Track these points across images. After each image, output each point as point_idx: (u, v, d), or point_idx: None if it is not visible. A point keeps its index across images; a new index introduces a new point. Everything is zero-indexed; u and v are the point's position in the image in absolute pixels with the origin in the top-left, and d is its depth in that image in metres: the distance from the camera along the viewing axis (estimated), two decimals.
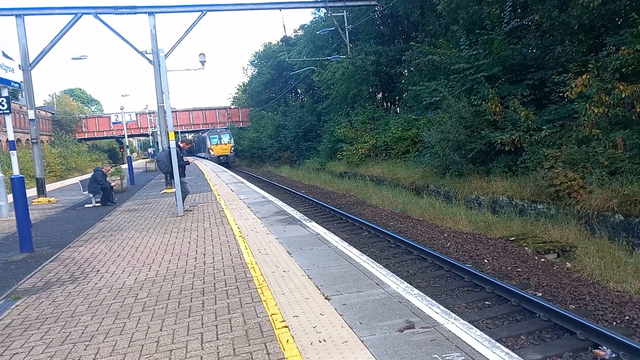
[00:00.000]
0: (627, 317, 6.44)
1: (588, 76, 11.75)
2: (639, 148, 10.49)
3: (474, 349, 3.61)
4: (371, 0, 24.73)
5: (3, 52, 10.96)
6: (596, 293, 7.28)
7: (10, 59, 12.13)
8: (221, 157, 47.06)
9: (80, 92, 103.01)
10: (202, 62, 13.51)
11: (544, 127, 13.19)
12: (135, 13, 19.61)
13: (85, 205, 15.98)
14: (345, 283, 5.41)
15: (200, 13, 20.07)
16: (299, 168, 34.04)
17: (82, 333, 4.64)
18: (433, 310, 4.44)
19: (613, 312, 6.62)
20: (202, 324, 4.62)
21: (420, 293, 4.97)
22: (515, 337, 6.15)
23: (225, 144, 48.87)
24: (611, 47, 11.68)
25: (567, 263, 8.96)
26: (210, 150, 48.97)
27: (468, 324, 4.17)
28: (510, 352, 3.59)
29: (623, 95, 10.92)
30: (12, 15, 18.42)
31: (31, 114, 18.37)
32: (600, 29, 13.97)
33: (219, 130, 51.09)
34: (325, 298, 4.97)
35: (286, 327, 4.32)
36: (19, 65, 18.34)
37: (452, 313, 4.42)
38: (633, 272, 7.82)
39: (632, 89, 10.89)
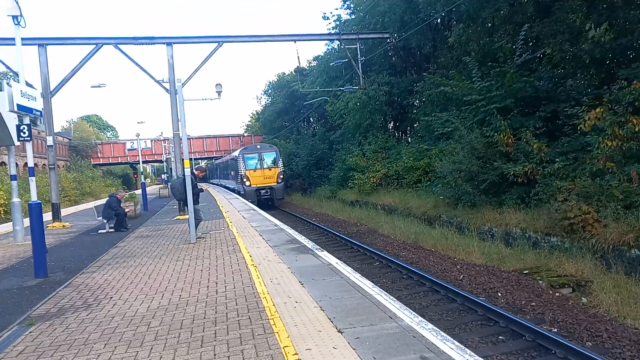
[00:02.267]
0: None
1: (601, 109, 11.78)
2: None
3: None
4: (384, 33, 25.19)
5: (26, 81, 11.27)
6: (613, 330, 7.14)
7: (33, 87, 12.48)
8: (263, 191, 30.01)
9: (97, 118, 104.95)
10: (219, 93, 13.79)
11: (557, 160, 13.16)
12: (154, 43, 20.16)
13: (99, 231, 16.12)
14: (359, 316, 5.38)
15: (216, 44, 20.58)
16: (310, 196, 34.11)
17: None
18: (448, 346, 4.39)
19: (631, 351, 6.48)
20: (215, 354, 4.61)
21: (434, 327, 4.93)
22: None
23: (270, 169, 30.59)
24: (623, 81, 11.73)
25: (583, 298, 8.82)
26: (245, 180, 30.29)
27: None
28: None
29: (636, 129, 10.91)
30: (35, 44, 19.02)
31: (50, 141, 18.74)
32: (612, 62, 14.07)
33: (259, 147, 32.28)
34: (338, 331, 4.94)
35: None
36: (41, 93, 18.88)
37: (467, 349, 4.38)
38: None
39: None
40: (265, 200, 29.50)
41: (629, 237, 9.55)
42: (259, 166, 30.34)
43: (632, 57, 13.22)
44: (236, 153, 33.90)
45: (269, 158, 30.90)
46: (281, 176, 30.62)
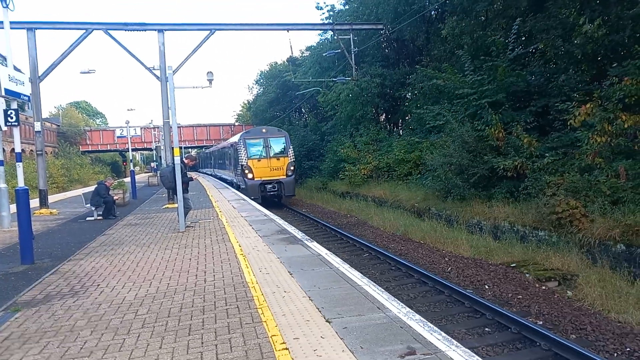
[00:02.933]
0: (628, 349, 6.40)
1: (592, 105, 11.86)
2: None
3: None
4: (377, 24, 25.09)
5: (14, 65, 11.09)
6: (597, 323, 7.24)
7: (21, 72, 12.29)
8: (269, 187, 24.12)
9: (86, 104, 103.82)
10: (210, 81, 13.67)
11: (547, 155, 13.25)
12: (145, 30, 19.90)
13: (87, 218, 15.99)
14: (347, 306, 5.40)
15: (208, 32, 20.37)
16: (300, 186, 34.09)
17: (81, 348, 4.62)
18: (434, 337, 4.42)
19: (614, 344, 6.58)
20: (202, 343, 4.60)
21: (421, 318, 4.95)
22: None
23: (278, 158, 24.64)
24: (614, 77, 11.81)
25: (568, 291, 8.93)
26: (246, 172, 24.31)
27: (469, 351, 4.15)
28: None
29: (626, 126, 11.00)
30: (24, 28, 18.69)
31: (37, 126, 18.51)
32: (604, 59, 14.15)
33: (264, 131, 25.96)
34: (326, 321, 4.96)
35: (286, 349, 4.30)
36: (29, 78, 18.58)
37: (453, 340, 4.41)
38: (634, 303, 7.79)
39: (635, 120, 10.98)
40: (271, 196, 23.84)
41: (615, 232, 9.66)
42: (264, 154, 24.13)
43: (623, 54, 13.29)
44: (235, 138, 27.31)
45: (277, 145, 24.77)
46: (292, 167, 24.18)
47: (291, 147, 25.01)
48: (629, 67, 11.43)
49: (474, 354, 4.07)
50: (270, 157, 24.04)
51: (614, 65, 12.53)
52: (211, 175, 45.73)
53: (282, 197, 24.22)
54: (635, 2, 12.14)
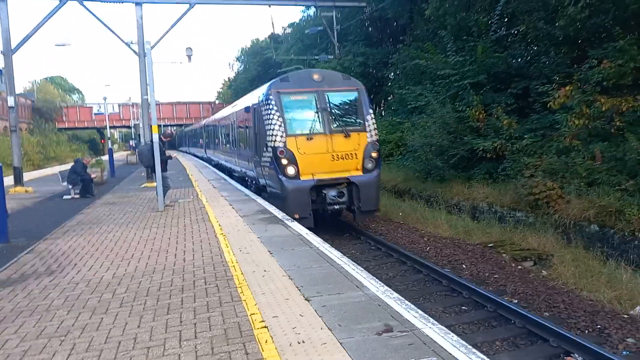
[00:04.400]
0: (598, 326, 6.59)
1: (571, 87, 11.98)
2: (616, 160, 10.73)
3: (451, 354, 3.66)
4: (361, 2, 24.79)
5: None
6: (570, 301, 7.44)
7: None
8: (332, 194, 11.55)
9: (62, 80, 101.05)
10: (189, 57, 13.41)
11: (526, 136, 13.41)
12: (122, 2, 19.35)
13: (64, 197, 15.71)
14: (326, 285, 5.43)
15: (188, 5, 19.88)
16: None
17: (58, 328, 4.58)
18: (411, 315, 4.49)
19: (585, 321, 6.77)
20: (181, 321, 4.59)
21: (399, 297, 5.01)
22: (491, 342, 6.26)
23: (348, 135, 11.88)
24: (594, 60, 11.93)
25: (543, 271, 9.13)
26: (282, 162, 11.52)
27: (445, 329, 4.22)
28: (485, 357, 3.66)
29: (603, 109, 11.16)
30: None
31: (11, 101, 17.98)
32: (585, 42, 14.25)
33: (317, 78, 12.42)
34: (306, 299, 4.98)
35: (265, 327, 4.32)
36: (1, 51, 17.99)
37: (430, 318, 4.48)
38: (606, 282, 8.01)
39: (612, 103, 11.13)
40: (335, 211, 12.30)
41: (590, 213, 9.88)
42: (319, 127, 11.99)
43: (603, 37, 13.40)
44: (256, 95, 13.78)
45: (343, 106, 12.62)
46: (373, 154, 12.13)
47: (371, 111, 12.58)
48: (609, 49, 11.54)
49: (449, 331, 4.14)
50: (333, 131, 11.78)
51: (595, 47, 12.65)
52: (202, 158, 35.13)
53: (356, 213, 11.93)
54: None
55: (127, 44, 19.37)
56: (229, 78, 71.76)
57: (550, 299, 7.56)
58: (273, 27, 69.10)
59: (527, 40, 16.43)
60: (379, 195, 12.55)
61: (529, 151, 13.04)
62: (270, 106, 11.82)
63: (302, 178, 11.48)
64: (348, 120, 12.31)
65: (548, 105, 12.70)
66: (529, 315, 6.59)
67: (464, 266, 9.44)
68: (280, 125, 11.57)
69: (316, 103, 11.92)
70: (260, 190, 13.94)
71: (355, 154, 11.80)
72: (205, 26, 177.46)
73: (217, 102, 69.24)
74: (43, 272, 6.57)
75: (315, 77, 12.46)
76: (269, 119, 11.78)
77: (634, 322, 6.64)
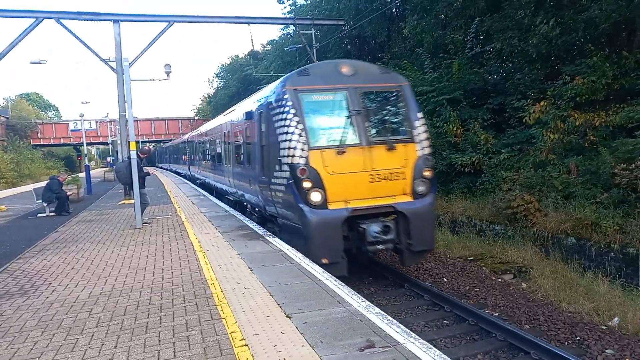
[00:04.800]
0: (578, 338, 6.66)
1: (545, 103, 12.27)
2: (591, 174, 10.97)
3: None
4: (339, 20, 25.10)
5: None
6: (549, 313, 7.50)
7: None
8: (374, 229, 8.24)
9: (37, 96, 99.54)
10: (168, 73, 13.30)
11: (503, 151, 13.64)
12: (100, 20, 19.20)
13: (39, 215, 15.35)
14: (307, 301, 5.38)
15: (167, 23, 19.85)
16: None
17: (31, 349, 4.43)
18: (393, 330, 4.46)
19: (565, 333, 6.83)
20: (159, 341, 4.49)
21: (381, 312, 4.99)
22: (473, 356, 6.26)
23: (392, 147, 8.72)
24: (567, 76, 12.25)
25: (523, 284, 9.22)
26: (305, 185, 8.25)
27: (427, 343, 4.21)
28: None
29: (577, 123, 11.44)
30: None
31: None
32: (557, 59, 14.66)
33: (345, 71, 9.20)
34: (287, 316, 4.92)
35: (246, 345, 4.25)
36: None
37: (411, 332, 4.46)
38: (584, 294, 8.12)
39: (585, 118, 11.43)
40: (375, 252, 8.94)
41: (567, 225, 10.04)
42: (353, 137, 8.76)
43: (575, 54, 13.81)
44: (259, 98, 10.99)
45: (384, 108, 9.59)
46: (426, 172, 8.88)
47: (420, 115, 9.44)
48: (582, 66, 11.87)
49: (431, 346, 4.13)
50: (371, 142, 8.82)
51: (567, 64, 13.02)
52: (185, 177, 31.62)
53: (405, 255, 8.77)
54: (586, 7, 12.62)
55: (105, 61, 19.20)
56: (208, 94, 71.57)
57: (531, 312, 7.61)
58: (252, 44, 69.63)
59: (502, 57, 16.82)
60: (434, 229, 9.51)
61: (506, 165, 13.26)
62: (286, 108, 8.61)
63: (330, 207, 8.28)
64: (391, 127, 9.28)
65: (524, 120, 12.97)
66: (510, 328, 6.63)
67: (445, 280, 9.48)
68: (300, 135, 8.36)
69: (348, 104, 8.79)
70: (265, 221, 10.90)
71: (403, 173, 8.64)
72: (184, 43, 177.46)
73: (196, 118, 68.89)
74: (16, 292, 6.36)
75: (345, 69, 9.17)
76: (283, 126, 8.57)
77: (612, 334, 6.73)
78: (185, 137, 32.09)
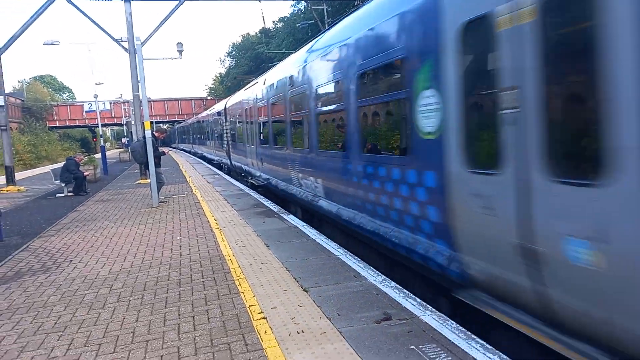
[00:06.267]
0: None
1: None
2: None
3: (450, 341, 3.67)
4: None
5: None
6: None
7: None
8: None
9: (51, 79, 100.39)
10: (180, 52, 13.33)
11: None
12: None
13: (57, 195, 15.62)
14: (324, 275, 5.43)
15: (178, 1, 19.76)
16: None
17: (55, 323, 4.55)
18: (409, 303, 4.49)
19: None
20: (179, 315, 4.58)
21: (397, 285, 5.02)
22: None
23: None
24: None
25: None
26: None
27: (444, 316, 4.23)
28: (484, 343, 3.67)
29: None
30: None
31: (0, 100, 17.81)
32: None
33: None
34: (304, 290, 4.98)
35: (264, 318, 4.32)
36: None
37: (428, 305, 4.48)
38: None
39: None
40: None
41: None
42: None
43: None
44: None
45: None
46: None
47: None
48: None
49: (448, 318, 4.15)
50: None
51: None
52: (220, 166, 24.02)
53: None
54: None
55: (117, 41, 19.23)
56: (220, 74, 71.42)
57: None
58: (264, 21, 68.80)
59: None
60: None
61: None
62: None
63: None
64: None
65: None
66: None
67: None
68: None
69: None
70: None
71: None
72: (195, 22, 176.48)
73: (208, 97, 68.92)
74: (38, 269, 6.52)
75: None
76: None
77: None
78: (226, 103, 21.29)
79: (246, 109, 14.58)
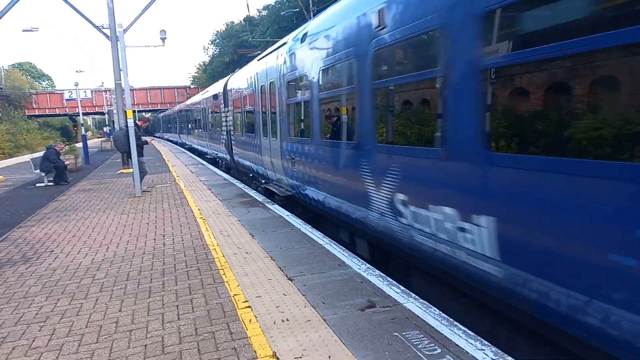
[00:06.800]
0: None
1: None
2: None
3: (433, 327, 3.72)
4: None
5: None
6: None
7: None
8: None
9: (30, 66, 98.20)
10: (163, 39, 13.12)
11: None
12: None
13: (37, 185, 15.36)
14: (308, 264, 5.45)
15: None
16: None
17: (37, 314, 4.50)
18: (393, 290, 4.54)
19: None
20: (163, 304, 4.56)
21: (380, 273, 5.06)
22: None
23: None
24: None
25: None
26: None
27: (427, 303, 4.28)
28: (466, 329, 3.72)
29: None
30: None
31: None
32: None
33: None
34: (289, 279, 4.99)
35: (249, 307, 4.32)
36: None
37: (411, 293, 4.53)
38: None
39: None
40: None
41: None
42: None
43: None
44: None
45: None
46: None
47: None
48: None
49: (431, 305, 4.21)
50: None
51: None
52: (215, 161, 20.76)
53: None
54: None
55: (99, 28, 18.86)
56: (203, 62, 70.62)
57: None
58: (248, 9, 68.04)
59: None
60: None
61: None
62: None
63: None
64: None
65: None
66: None
67: None
68: None
69: None
70: None
71: None
72: (179, 10, 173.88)
73: (192, 86, 68.15)
74: (19, 260, 6.43)
75: None
76: None
77: None
78: (226, 83, 16.73)
79: (262, 87, 10.66)
